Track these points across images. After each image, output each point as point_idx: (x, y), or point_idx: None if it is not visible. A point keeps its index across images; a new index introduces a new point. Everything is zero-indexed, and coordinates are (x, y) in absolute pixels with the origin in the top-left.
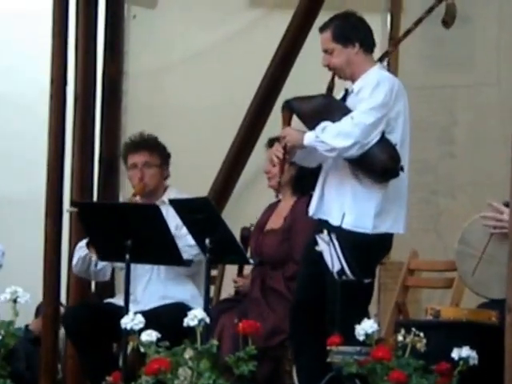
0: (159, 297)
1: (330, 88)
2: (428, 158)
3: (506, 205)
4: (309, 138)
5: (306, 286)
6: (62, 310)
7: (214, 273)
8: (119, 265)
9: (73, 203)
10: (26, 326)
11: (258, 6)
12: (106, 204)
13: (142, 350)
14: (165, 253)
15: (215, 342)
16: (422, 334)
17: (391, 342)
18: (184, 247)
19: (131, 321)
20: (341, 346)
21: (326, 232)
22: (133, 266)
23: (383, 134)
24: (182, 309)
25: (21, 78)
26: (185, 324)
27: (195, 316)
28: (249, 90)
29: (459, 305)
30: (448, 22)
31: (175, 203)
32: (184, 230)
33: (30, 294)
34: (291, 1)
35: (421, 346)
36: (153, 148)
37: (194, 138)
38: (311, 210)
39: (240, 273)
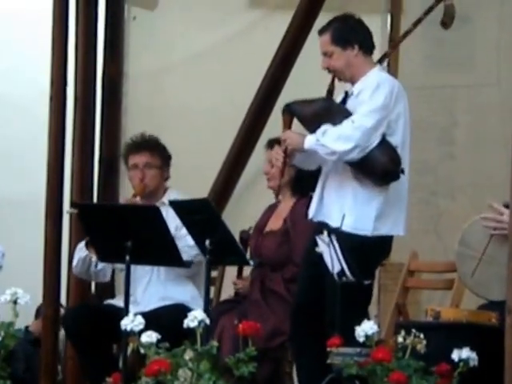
0: (159, 298)
1: (330, 91)
2: (428, 158)
3: (506, 206)
4: (309, 141)
5: (306, 287)
6: (62, 311)
7: (213, 274)
8: (119, 266)
9: (73, 204)
10: (26, 328)
11: (258, 6)
12: (106, 205)
13: (142, 351)
14: (165, 254)
15: (215, 343)
16: (422, 336)
17: (391, 344)
18: (183, 248)
19: (131, 322)
20: (341, 348)
21: (325, 233)
22: (133, 267)
23: (384, 136)
24: (181, 310)
25: (21, 79)
26: (185, 325)
27: (195, 317)
28: (249, 90)
29: (459, 306)
30: (447, 22)
31: (175, 204)
32: (184, 230)
33: (30, 295)
34: (291, 1)
35: (421, 347)
36: (154, 149)
37: (194, 139)
38: (311, 213)
39: (239, 275)
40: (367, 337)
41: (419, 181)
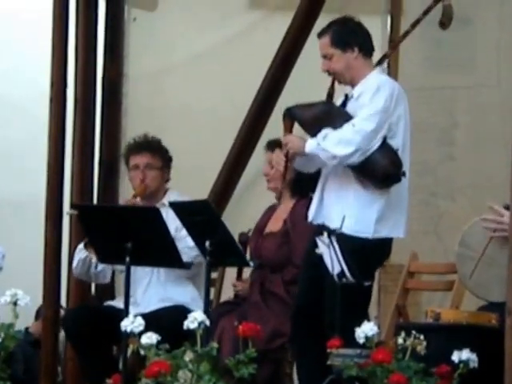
0: (159, 299)
1: (330, 94)
2: (428, 159)
3: (507, 208)
4: (310, 145)
5: (306, 289)
6: (62, 312)
7: (214, 275)
8: (119, 267)
9: (73, 206)
10: (26, 329)
11: (258, 7)
12: (106, 206)
13: (142, 352)
14: (165, 255)
15: (215, 344)
16: (422, 337)
17: (391, 345)
18: (183, 249)
19: (131, 323)
20: (341, 349)
21: (325, 235)
22: (133, 268)
23: (385, 139)
24: (181, 311)
25: (21, 79)
26: (185, 327)
27: (195, 318)
28: (249, 91)
29: (459, 307)
30: (445, 23)
31: (175, 205)
32: (184, 231)
33: (30, 297)
34: (291, 3)
35: (421, 348)
36: (155, 150)
37: (195, 140)
38: (310, 216)
39: (239, 276)
40: (367, 338)
41: (419, 182)
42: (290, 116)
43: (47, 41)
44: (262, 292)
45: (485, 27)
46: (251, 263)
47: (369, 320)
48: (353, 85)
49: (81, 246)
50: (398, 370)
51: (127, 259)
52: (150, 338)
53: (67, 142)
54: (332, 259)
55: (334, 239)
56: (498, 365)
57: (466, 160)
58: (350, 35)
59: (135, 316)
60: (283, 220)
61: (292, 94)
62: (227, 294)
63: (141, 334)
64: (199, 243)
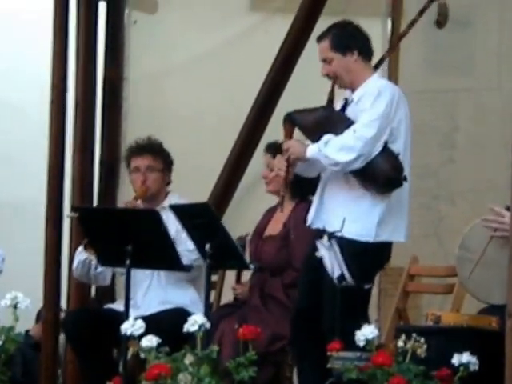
0: (159, 302)
1: (331, 99)
2: (429, 162)
3: (508, 209)
4: (312, 150)
5: (306, 292)
6: (62, 315)
7: (214, 278)
8: (119, 270)
9: (73, 208)
10: (27, 332)
11: (259, 10)
12: (106, 209)
13: (142, 355)
14: (165, 258)
15: (215, 347)
16: (422, 340)
17: (391, 348)
18: (183, 252)
19: (131, 326)
20: (341, 352)
21: (325, 238)
22: (133, 271)
23: (386, 143)
24: (182, 314)
25: (21, 80)
26: (185, 329)
27: (195, 321)
28: (249, 93)
29: (460, 310)
30: (441, 22)
31: (175, 208)
32: (184, 234)
33: (31, 300)
34: (292, 5)
35: (421, 351)
36: (156, 152)
37: (195, 142)
38: (309, 220)
39: (238, 280)
40: (367, 341)
41: (420, 185)
42: (291, 121)
43: (47, 39)
44: (261, 295)
45: (485, 30)
46: (251, 266)
47: (369, 323)
48: (352, 89)
49: (81, 247)
50: (398, 373)
51: (127, 262)
52: (150, 341)
53: (67, 145)
54: (332, 262)
55: (334, 242)
56: (498, 368)
57: (467, 163)
58: (349, 39)
59: (135, 319)
60: (283, 223)
61: (292, 97)
62: (227, 296)
63: (141, 336)
64: (199, 246)
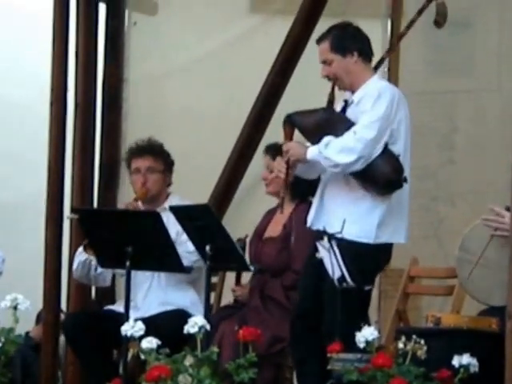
0: (159, 303)
1: (331, 101)
2: (428, 164)
3: (508, 209)
4: (312, 152)
5: (306, 294)
6: (63, 316)
7: (214, 280)
8: (120, 271)
9: (73, 210)
10: (27, 333)
11: (259, 12)
12: (106, 211)
13: (143, 356)
14: (165, 260)
15: (215, 349)
16: (422, 342)
17: (392, 350)
18: (183, 253)
19: (131, 328)
20: (341, 354)
21: (326, 239)
22: (133, 272)
23: (386, 145)
24: (182, 316)
25: (21, 81)
26: (185, 331)
27: (195, 323)
28: (249, 95)
29: (460, 312)
30: (440, 21)
31: (175, 210)
32: (184, 236)
33: (31, 301)
34: (291, 7)
35: (421, 353)
36: (157, 154)
37: (195, 144)
38: (309, 221)
39: (238, 281)
40: (368, 343)
41: (420, 186)
42: (291, 123)
43: (47, 38)
44: (261, 297)
45: (485, 31)
46: (251, 268)
47: (369, 324)
48: (352, 90)
49: (81, 248)
50: (398, 375)
51: (127, 263)
52: (150, 343)
53: (68, 146)
54: (332, 264)
55: (334, 244)
56: (498, 369)
57: (467, 164)
58: (349, 40)
59: (135, 320)
60: (283, 225)
61: (292, 99)
62: (227, 298)
63: (141, 338)
64: (199, 248)
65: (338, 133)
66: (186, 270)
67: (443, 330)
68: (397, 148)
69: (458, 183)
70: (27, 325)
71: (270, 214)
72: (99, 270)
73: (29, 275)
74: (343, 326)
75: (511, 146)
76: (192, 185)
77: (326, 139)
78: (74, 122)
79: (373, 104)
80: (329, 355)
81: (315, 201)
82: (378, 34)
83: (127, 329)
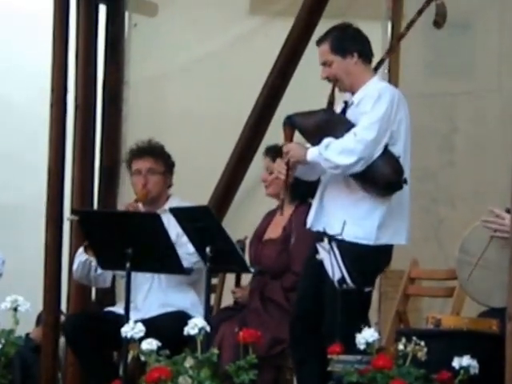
0: (159, 305)
1: (331, 102)
2: (428, 165)
3: (508, 211)
4: (312, 153)
5: (306, 296)
6: (63, 318)
7: (214, 281)
8: (120, 273)
9: (73, 211)
10: (27, 335)
11: (259, 13)
12: (106, 212)
13: (143, 358)
14: (165, 261)
15: (216, 350)
16: (422, 343)
17: (392, 351)
18: (184, 255)
19: (132, 329)
20: (341, 355)
21: (326, 240)
22: (133, 274)
23: (386, 146)
24: (182, 317)
25: (21, 81)
26: (185, 333)
27: (196, 325)
28: (249, 97)
29: (460, 314)
30: (439, 22)
31: (175, 211)
32: (184, 237)
33: (31, 303)
34: (292, 9)
35: (421, 354)
36: (158, 155)
37: (195, 146)
38: (309, 223)
39: (237, 283)
40: (368, 344)
41: (420, 188)
42: (291, 124)
43: (48, 41)
44: (261, 299)
45: (485, 33)
46: (251, 269)
47: (369, 326)
48: (352, 91)
49: (81, 249)
50: (398, 376)
51: (128, 265)
52: (150, 344)
53: (68, 147)
54: (332, 265)
55: (334, 245)
56: (498, 371)
57: (467, 166)
58: (349, 41)
59: (136, 322)
60: (282, 227)
61: (292, 100)
62: (228, 300)
63: (141, 339)
64: (199, 249)
65: (337, 134)
66: (186, 272)
67: (443, 332)
68: (397, 149)
69: (458, 185)
70: (27, 326)
71: (269, 216)
72: (99, 270)
73: (29, 277)
74: (343, 328)
75: (511, 147)
76: (192, 186)
77: (326, 140)
78: (74, 124)
79: (373, 105)
80: (329, 357)
81: (315, 202)
82: (378, 36)
83: (127, 330)
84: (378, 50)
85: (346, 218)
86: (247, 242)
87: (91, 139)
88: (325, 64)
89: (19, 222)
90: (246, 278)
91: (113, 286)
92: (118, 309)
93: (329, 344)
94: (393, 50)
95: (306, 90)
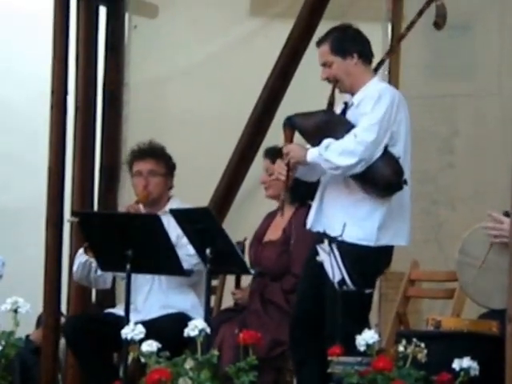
0: (160, 306)
1: (331, 103)
2: (429, 167)
3: (506, 214)
4: (312, 154)
5: (306, 298)
6: (63, 320)
7: (214, 283)
8: (120, 274)
9: (73, 213)
10: (27, 337)
11: (259, 15)
12: (106, 214)
13: (143, 360)
14: (165, 263)
15: (216, 352)
16: (422, 345)
17: (392, 353)
18: (184, 256)
19: (132, 331)
20: (341, 357)
21: (326, 242)
22: (133, 275)
23: (386, 147)
24: (182, 319)
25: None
26: (185, 334)
27: (196, 326)
28: (250, 98)
29: (460, 315)
30: (439, 23)
31: (176, 213)
32: (185, 239)
33: (31, 304)
34: (292, 10)
35: (422, 356)
36: (159, 157)
37: (195, 147)
38: (309, 223)
39: (237, 285)
40: (368, 346)
41: (420, 190)
42: (291, 125)
43: (48, 42)
44: (261, 300)
45: (485, 34)
46: (252, 271)
47: (369, 328)
48: (352, 92)
49: (81, 250)
50: (398, 378)
51: (128, 267)
52: (150, 346)
53: (68, 149)
54: (333, 267)
55: (334, 247)
56: (498, 373)
57: (467, 168)
58: (349, 42)
59: (136, 323)
60: (283, 229)
61: (292, 101)
62: (228, 301)
63: (141, 341)
64: (200, 251)
65: (338, 135)
66: (187, 273)
67: (444, 334)
68: (397, 150)
69: (459, 187)
70: (27, 328)
71: (269, 218)
72: (99, 271)
73: (29, 278)
74: (343, 330)
75: (511, 149)
76: (192, 187)
77: (327, 141)
78: (75, 126)
79: (373, 106)
80: (329, 358)
81: (315, 203)
82: (378, 38)
83: (127, 332)
84: (378, 51)
85: (346, 219)
86: (247, 244)
87: (91, 140)
88: (325, 65)
89: (19, 224)
90: (246, 280)
91: (113, 287)
92: (118, 310)
93: (329, 346)
94: (393, 51)
95: (307, 91)
